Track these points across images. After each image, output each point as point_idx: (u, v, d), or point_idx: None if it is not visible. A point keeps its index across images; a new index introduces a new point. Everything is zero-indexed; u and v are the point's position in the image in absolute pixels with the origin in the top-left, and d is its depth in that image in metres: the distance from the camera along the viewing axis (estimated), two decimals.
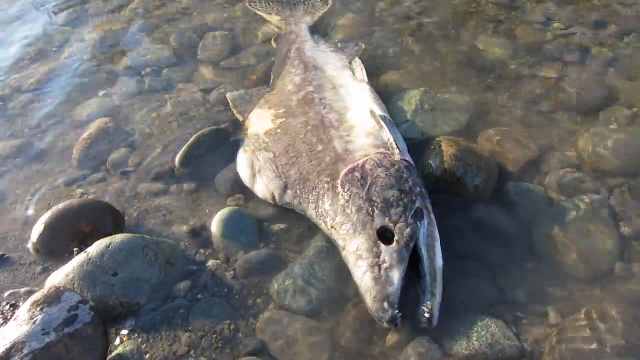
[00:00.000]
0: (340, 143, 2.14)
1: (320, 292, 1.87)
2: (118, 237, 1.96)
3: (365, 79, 2.61)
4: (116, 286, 1.85)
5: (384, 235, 1.78)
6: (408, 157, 2.07)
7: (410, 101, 2.60)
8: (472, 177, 2.13)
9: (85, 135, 2.63)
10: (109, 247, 1.92)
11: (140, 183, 2.39)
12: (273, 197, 2.14)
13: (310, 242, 2.03)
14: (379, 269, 1.71)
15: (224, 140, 2.49)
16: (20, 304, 1.82)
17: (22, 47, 3.49)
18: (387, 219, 1.81)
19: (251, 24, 3.47)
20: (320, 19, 3.33)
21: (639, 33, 3.05)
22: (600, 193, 2.14)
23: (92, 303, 1.76)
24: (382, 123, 2.14)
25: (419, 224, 1.80)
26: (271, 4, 3.46)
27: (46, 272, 2.02)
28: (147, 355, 1.74)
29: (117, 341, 1.78)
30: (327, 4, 3.43)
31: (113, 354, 1.73)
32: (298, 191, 2.06)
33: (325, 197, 1.97)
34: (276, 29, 3.31)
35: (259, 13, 3.44)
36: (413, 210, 1.82)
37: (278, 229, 2.11)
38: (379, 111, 2.30)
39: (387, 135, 2.10)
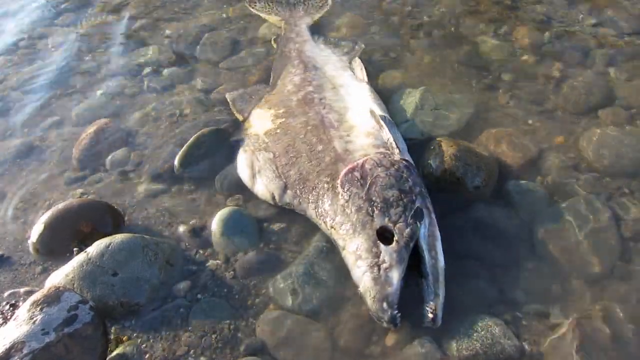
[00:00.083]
0: (340, 143, 2.14)
1: (320, 292, 1.87)
2: (118, 237, 1.96)
3: (365, 79, 2.62)
4: (116, 286, 1.85)
5: (384, 236, 1.78)
6: (408, 157, 2.07)
7: (410, 101, 2.60)
8: (472, 177, 2.13)
9: (85, 135, 2.63)
10: (109, 247, 1.92)
11: (140, 183, 2.39)
12: (273, 198, 2.14)
13: (310, 242, 2.03)
14: (379, 269, 1.71)
15: (224, 140, 2.49)
16: (20, 304, 1.82)
17: (23, 46, 3.49)
18: (386, 219, 1.81)
19: (251, 24, 3.47)
20: (320, 19, 3.33)
21: (639, 33, 3.06)
22: (600, 193, 2.14)
23: (92, 303, 1.76)
24: (382, 123, 2.14)
25: (418, 224, 1.80)
26: (271, 4, 3.46)
27: (46, 272, 2.02)
28: (147, 355, 1.74)
29: (117, 341, 1.78)
30: (327, 4, 3.43)
31: (113, 354, 1.73)
32: (298, 191, 2.06)
33: (325, 197, 1.97)
34: (276, 29, 3.31)
35: (258, 13, 3.44)
36: (413, 210, 1.82)
37: (278, 229, 2.11)
38: (379, 111, 2.30)
39: (387, 135, 2.10)
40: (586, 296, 1.82)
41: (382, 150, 2.07)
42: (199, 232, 2.13)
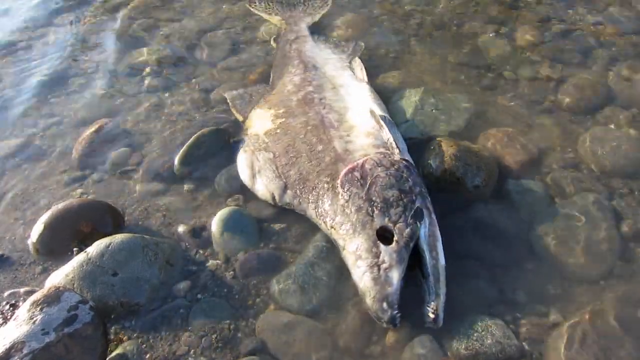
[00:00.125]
0: (340, 143, 2.14)
1: (320, 292, 1.87)
2: (118, 237, 1.96)
3: (365, 79, 2.62)
4: (116, 286, 1.85)
5: (384, 236, 1.78)
6: (408, 157, 2.07)
7: (410, 101, 2.60)
8: (472, 177, 2.13)
9: (85, 135, 2.64)
10: (109, 247, 1.92)
11: (140, 183, 2.39)
12: (273, 198, 2.14)
13: (310, 242, 2.03)
14: (379, 269, 1.71)
15: (224, 140, 2.49)
16: (20, 304, 1.82)
17: (22, 46, 3.49)
18: (386, 219, 1.81)
19: (251, 24, 3.47)
20: (320, 19, 3.33)
21: (639, 33, 3.06)
22: (600, 193, 2.14)
23: (92, 303, 1.76)
24: (382, 123, 2.14)
25: (418, 224, 1.79)
26: (271, 4, 3.46)
27: (46, 272, 2.02)
28: (147, 355, 1.74)
29: (117, 341, 1.78)
30: (327, 4, 3.43)
31: (113, 354, 1.73)
32: (298, 191, 2.06)
33: (325, 197, 1.97)
34: (276, 29, 3.31)
35: (259, 13, 3.44)
36: (413, 211, 1.82)
37: (278, 229, 2.11)
38: (379, 111, 2.30)
39: (387, 135, 2.10)
40: (586, 296, 1.82)
41: (382, 150, 2.07)
42: (199, 232, 2.13)
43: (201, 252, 2.06)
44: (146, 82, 3.03)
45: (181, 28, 3.48)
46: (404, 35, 3.20)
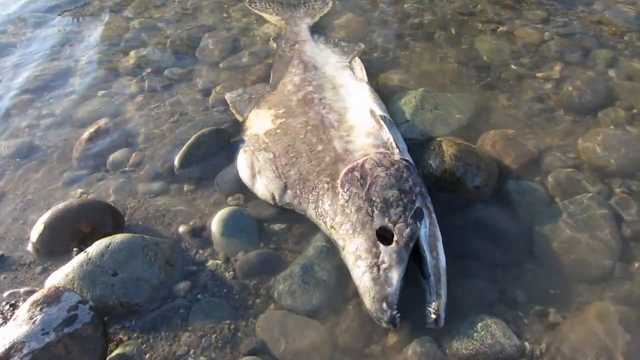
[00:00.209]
0: (340, 143, 2.14)
1: (320, 292, 1.87)
2: (118, 237, 1.96)
3: (365, 79, 2.62)
4: (116, 286, 1.85)
5: (384, 236, 1.78)
6: (408, 157, 2.07)
7: (410, 101, 2.60)
8: (472, 177, 2.13)
9: (85, 135, 2.64)
10: (109, 247, 1.92)
11: (140, 183, 2.39)
12: (273, 198, 2.13)
13: (310, 242, 2.03)
14: (378, 270, 1.71)
15: (224, 140, 2.49)
16: (20, 304, 1.82)
17: (20, 46, 3.49)
18: (386, 219, 1.81)
19: (251, 24, 3.47)
20: (320, 19, 3.33)
21: (639, 33, 3.06)
22: (600, 193, 2.14)
23: (92, 303, 1.76)
24: (382, 123, 2.14)
25: (418, 225, 1.79)
26: (271, 4, 3.47)
27: (46, 272, 2.01)
28: (147, 355, 1.73)
29: (117, 341, 1.77)
30: (327, 5, 3.43)
31: (113, 354, 1.73)
32: (298, 191, 2.06)
33: (325, 197, 1.97)
34: (276, 29, 3.31)
35: (259, 13, 3.45)
36: (413, 211, 1.82)
37: (278, 229, 2.11)
38: (379, 111, 2.30)
39: (387, 135, 2.10)
40: (586, 296, 1.82)
41: (382, 150, 2.07)
42: (199, 232, 2.13)
43: (201, 252, 2.06)
44: (146, 82, 3.03)
45: (181, 28, 3.48)
46: (404, 35, 3.20)
